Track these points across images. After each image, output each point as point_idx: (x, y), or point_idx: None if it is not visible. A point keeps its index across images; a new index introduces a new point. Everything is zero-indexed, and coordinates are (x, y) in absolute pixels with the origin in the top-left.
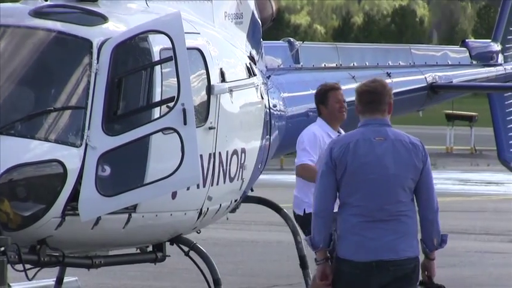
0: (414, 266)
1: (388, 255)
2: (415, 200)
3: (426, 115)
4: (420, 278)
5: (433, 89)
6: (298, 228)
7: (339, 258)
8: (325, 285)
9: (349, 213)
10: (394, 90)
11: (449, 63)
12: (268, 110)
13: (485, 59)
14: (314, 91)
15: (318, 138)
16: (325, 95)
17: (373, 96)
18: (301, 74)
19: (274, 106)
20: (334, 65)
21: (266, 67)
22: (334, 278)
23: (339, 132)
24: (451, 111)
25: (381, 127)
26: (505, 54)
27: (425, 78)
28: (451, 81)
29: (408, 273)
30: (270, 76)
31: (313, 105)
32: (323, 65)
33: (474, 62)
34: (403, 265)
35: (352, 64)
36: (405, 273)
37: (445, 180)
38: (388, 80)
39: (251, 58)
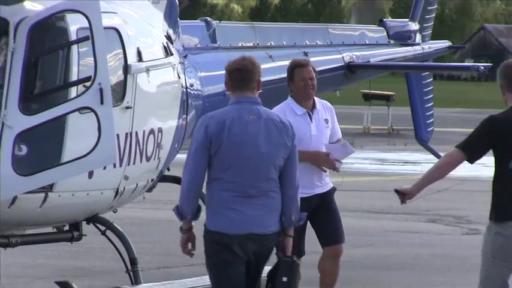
0: (274, 241)
1: (258, 229)
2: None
3: (343, 95)
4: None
5: (351, 69)
6: None
7: (210, 231)
8: (189, 254)
9: (221, 188)
10: None
11: (367, 42)
12: (185, 90)
13: (403, 38)
14: None
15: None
16: (292, 72)
17: (243, 74)
18: (218, 53)
19: (191, 85)
20: (251, 44)
21: (183, 46)
22: (206, 251)
23: (313, 108)
24: (368, 91)
25: (253, 105)
26: (423, 33)
27: (343, 57)
28: (369, 61)
29: (271, 246)
30: (187, 55)
31: None
32: (240, 45)
33: (392, 42)
34: (270, 239)
35: (269, 44)
36: (269, 246)
37: (362, 160)
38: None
39: (168, 37)
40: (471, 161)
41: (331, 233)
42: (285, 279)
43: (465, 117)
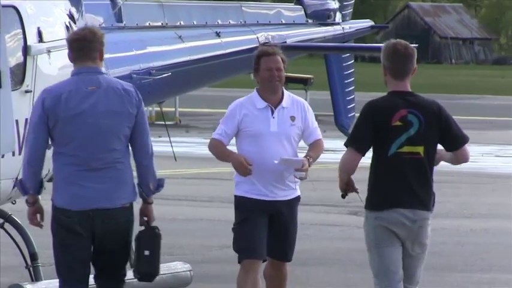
0: (129, 213)
1: (104, 204)
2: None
3: None
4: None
5: None
6: None
7: (56, 208)
8: (38, 225)
9: (64, 163)
10: (224, 51)
11: (283, 22)
12: None
13: (321, 17)
14: (138, 52)
15: (237, 111)
16: (257, 62)
17: (83, 44)
18: (124, 33)
19: None
20: (159, 24)
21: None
22: (54, 228)
23: (278, 103)
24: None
25: (93, 75)
26: (343, 12)
27: (257, 38)
28: (285, 41)
29: (122, 220)
30: None
31: (137, 66)
32: (147, 24)
33: (310, 21)
34: (118, 213)
35: (178, 23)
36: (119, 220)
37: None
38: (217, 40)
39: (71, 17)
40: (364, 155)
41: (280, 249)
42: (147, 252)
43: None
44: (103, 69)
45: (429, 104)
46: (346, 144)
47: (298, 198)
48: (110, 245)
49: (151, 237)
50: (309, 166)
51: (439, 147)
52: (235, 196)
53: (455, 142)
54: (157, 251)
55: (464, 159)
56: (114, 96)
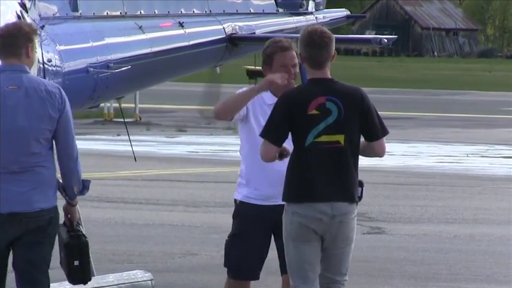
0: (50, 218)
1: (21, 208)
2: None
3: (225, 71)
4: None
5: (233, 41)
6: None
7: None
8: None
9: None
10: (188, 43)
11: (252, 11)
12: (42, 66)
13: (293, 6)
14: (95, 43)
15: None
16: (271, 56)
17: (6, 40)
18: (80, 23)
19: (49, 61)
20: (118, 13)
21: (39, 16)
22: None
23: None
24: (253, 67)
25: (15, 73)
26: (317, 1)
27: (224, 28)
28: (254, 32)
29: (43, 225)
30: (44, 26)
31: (94, 59)
32: (105, 14)
33: (280, 10)
34: (37, 217)
35: (139, 12)
36: (39, 225)
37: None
38: (180, 31)
39: (22, 5)
40: (281, 145)
41: None
42: (76, 262)
43: None
44: (28, 68)
45: (351, 90)
46: (261, 135)
47: None
48: (31, 247)
49: (79, 246)
50: None
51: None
52: (235, 200)
53: (375, 132)
54: (86, 259)
55: (380, 152)
56: (35, 97)
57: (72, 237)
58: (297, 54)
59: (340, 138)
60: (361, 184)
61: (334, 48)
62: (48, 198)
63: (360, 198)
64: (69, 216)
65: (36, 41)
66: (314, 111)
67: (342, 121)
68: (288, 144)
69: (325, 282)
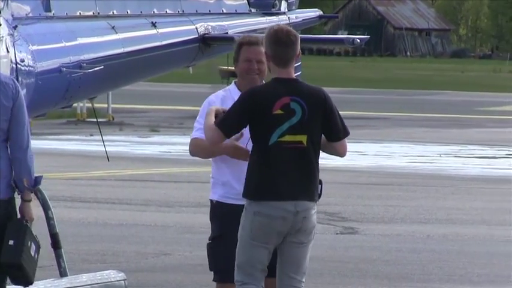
0: (5, 209)
1: None
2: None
3: (197, 71)
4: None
5: (206, 41)
6: (50, 202)
7: None
8: None
9: None
10: (160, 43)
11: (224, 11)
12: (14, 66)
13: (265, 6)
14: (67, 43)
15: (218, 104)
16: (237, 51)
17: None
18: (52, 23)
19: (22, 61)
20: (91, 13)
21: (12, 16)
22: None
23: None
24: (226, 67)
25: None
26: (289, 1)
27: (197, 28)
28: (226, 32)
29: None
30: (16, 26)
31: (66, 59)
32: (78, 14)
33: (253, 10)
34: None
35: (111, 12)
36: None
37: None
38: (153, 31)
39: None
40: (228, 137)
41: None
42: (11, 242)
43: (339, 97)
44: None
45: (314, 91)
46: (215, 124)
47: None
48: None
49: (17, 227)
50: None
51: None
52: (210, 201)
53: (337, 133)
54: (21, 242)
55: (342, 152)
56: None
57: (15, 219)
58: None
59: (303, 138)
60: (320, 182)
61: (299, 47)
62: (5, 188)
63: (319, 196)
64: (24, 217)
65: (10, 40)
66: (279, 111)
67: (305, 122)
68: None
69: (287, 283)
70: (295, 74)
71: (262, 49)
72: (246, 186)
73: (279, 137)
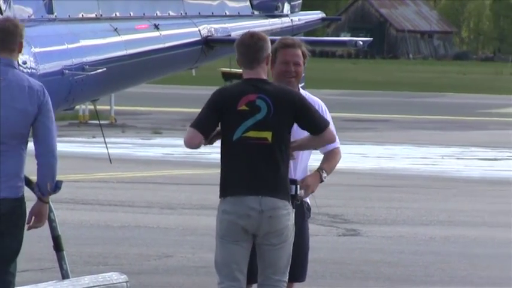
0: (13, 207)
1: None
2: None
3: (200, 73)
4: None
5: (208, 44)
6: (52, 204)
7: None
8: None
9: None
10: (164, 45)
11: (227, 13)
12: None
13: (269, 9)
14: (70, 45)
15: None
16: (274, 53)
17: (3, 35)
18: (55, 26)
19: (24, 63)
20: (93, 15)
21: (15, 18)
22: None
23: None
24: (228, 70)
25: (3, 67)
26: (292, 3)
27: (199, 31)
28: (229, 35)
29: (5, 213)
30: None
31: (69, 61)
32: (80, 16)
33: (256, 13)
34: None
35: (114, 15)
36: (1, 213)
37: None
38: (156, 33)
39: None
40: (206, 136)
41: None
42: None
43: (342, 100)
44: (16, 62)
45: (283, 91)
46: (190, 126)
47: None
48: None
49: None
50: (321, 182)
51: (300, 135)
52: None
53: (318, 125)
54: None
55: (331, 138)
56: (17, 91)
57: None
58: (304, 54)
59: (268, 135)
60: (294, 182)
61: (267, 50)
62: (14, 188)
63: (295, 196)
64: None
65: None
66: (243, 107)
67: (270, 119)
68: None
69: (265, 283)
70: (300, 85)
71: (299, 52)
72: (220, 185)
73: (243, 133)
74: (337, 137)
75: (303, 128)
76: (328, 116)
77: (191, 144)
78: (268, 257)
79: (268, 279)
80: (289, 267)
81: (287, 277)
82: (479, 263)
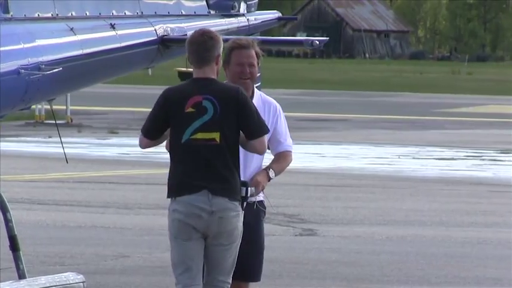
0: None
1: None
2: None
3: (157, 73)
4: None
5: (164, 43)
6: (8, 204)
7: None
8: None
9: None
10: (119, 45)
11: (183, 13)
12: None
13: (225, 8)
14: (26, 45)
15: None
16: (229, 54)
17: None
18: (11, 25)
19: None
20: (49, 15)
21: None
22: None
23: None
24: (184, 69)
25: None
26: (248, 2)
27: (156, 30)
28: (185, 34)
29: None
30: None
31: (25, 61)
32: (37, 15)
33: (212, 12)
34: None
35: (70, 14)
36: None
37: None
38: (112, 33)
39: None
40: (154, 139)
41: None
42: None
43: (298, 99)
44: None
45: (228, 89)
46: (141, 130)
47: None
48: None
49: None
50: (268, 180)
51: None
52: None
53: (254, 131)
54: None
55: (260, 149)
56: None
57: None
58: (257, 54)
59: (216, 136)
60: (245, 184)
61: (217, 50)
62: None
63: (245, 198)
64: None
65: None
66: (190, 109)
67: (217, 119)
68: None
69: (211, 283)
70: (256, 85)
71: (253, 52)
72: (167, 186)
73: (191, 135)
74: (290, 141)
75: (239, 129)
76: (282, 117)
77: (141, 147)
78: (216, 258)
79: (213, 280)
80: (233, 269)
81: (231, 279)
82: (435, 263)
